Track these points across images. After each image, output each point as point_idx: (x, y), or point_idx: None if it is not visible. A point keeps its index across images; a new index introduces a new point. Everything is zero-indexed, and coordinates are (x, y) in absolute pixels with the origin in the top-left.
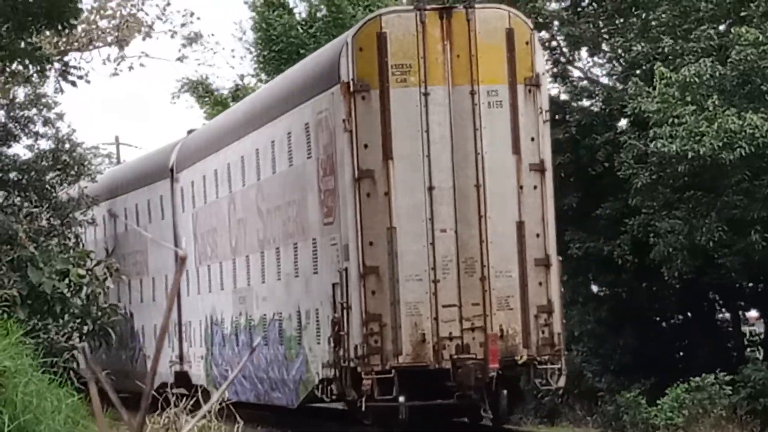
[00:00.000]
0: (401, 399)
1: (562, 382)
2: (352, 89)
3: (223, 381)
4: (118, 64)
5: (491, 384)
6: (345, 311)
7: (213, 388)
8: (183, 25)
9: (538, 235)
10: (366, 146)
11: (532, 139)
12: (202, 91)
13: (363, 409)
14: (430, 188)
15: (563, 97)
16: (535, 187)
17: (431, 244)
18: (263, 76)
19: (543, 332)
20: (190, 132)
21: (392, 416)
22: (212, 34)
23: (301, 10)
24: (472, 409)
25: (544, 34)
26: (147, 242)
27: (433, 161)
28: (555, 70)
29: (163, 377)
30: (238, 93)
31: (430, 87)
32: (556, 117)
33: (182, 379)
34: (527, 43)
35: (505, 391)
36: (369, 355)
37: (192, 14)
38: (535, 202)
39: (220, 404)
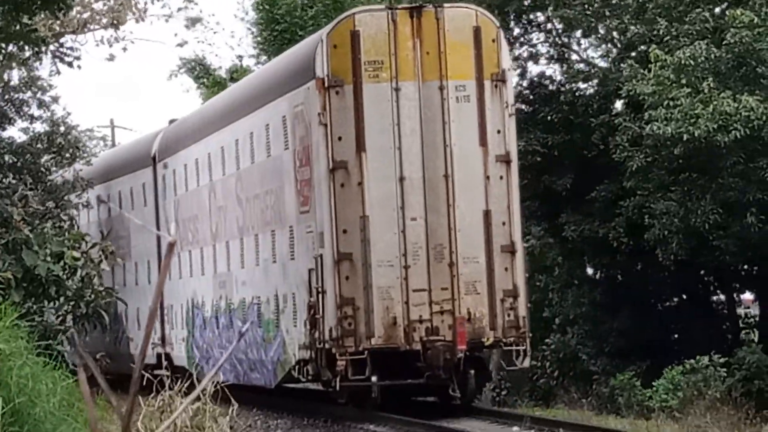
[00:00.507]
0: (374, 379)
1: (527, 363)
2: (326, 84)
3: (204, 362)
4: (111, 46)
5: (459, 364)
6: (320, 295)
7: (194, 370)
8: (180, 9)
9: (503, 223)
10: (340, 139)
11: (498, 131)
12: (200, 71)
13: (337, 388)
14: (401, 179)
15: (558, 78)
16: (501, 178)
17: (402, 231)
18: (263, 58)
19: (509, 315)
20: (171, 121)
21: (365, 395)
22: (212, 14)
23: None
24: (441, 389)
25: (539, 15)
26: (130, 227)
27: (404, 153)
28: (551, 51)
29: (146, 359)
30: (236, 75)
31: (401, 82)
32: (550, 99)
33: (164, 360)
34: (494, 40)
35: (472, 371)
36: (343, 337)
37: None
38: (501, 191)
39: (214, 386)
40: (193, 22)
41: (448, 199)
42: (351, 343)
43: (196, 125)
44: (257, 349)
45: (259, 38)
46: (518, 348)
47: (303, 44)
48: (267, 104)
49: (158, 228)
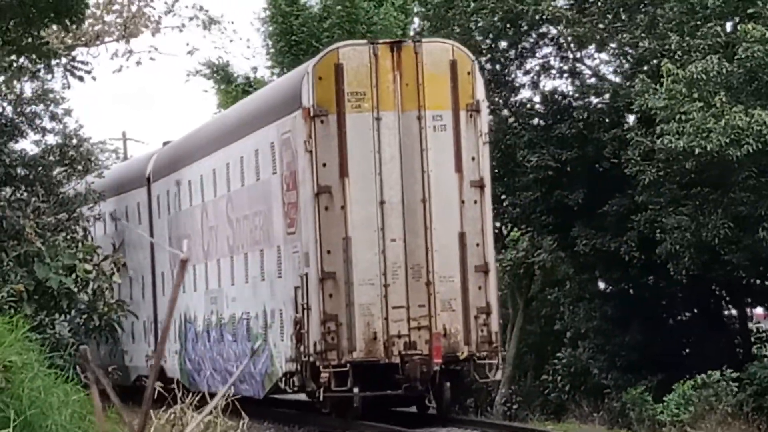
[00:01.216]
0: (355, 390)
1: (499, 376)
2: (312, 114)
3: (196, 374)
4: (127, 59)
5: (435, 377)
6: (305, 312)
7: (187, 381)
8: (191, 19)
9: (477, 245)
10: (324, 165)
11: (473, 158)
12: (219, 76)
13: (321, 399)
14: (382, 202)
15: (570, 92)
16: (475, 202)
17: (382, 252)
18: (277, 70)
19: (482, 331)
20: (165, 143)
21: (347, 405)
22: (232, 22)
23: (316, 2)
24: (418, 399)
25: (551, 29)
26: (125, 244)
27: (384, 178)
28: (562, 66)
29: (140, 370)
30: (250, 87)
31: (382, 112)
32: (563, 113)
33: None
34: (469, 73)
35: (448, 383)
36: (327, 351)
37: (201, 8)
38: (476, 215)
39: (226, 401)
40: (210, 22)
41: (425, 221)
42: (334, 356)
43: (189, 148)
44: (246, 361)
45: (273, 50)
46: (491, 361)
47: (290, 75)
48: (256, 131)
49: (152, 246)
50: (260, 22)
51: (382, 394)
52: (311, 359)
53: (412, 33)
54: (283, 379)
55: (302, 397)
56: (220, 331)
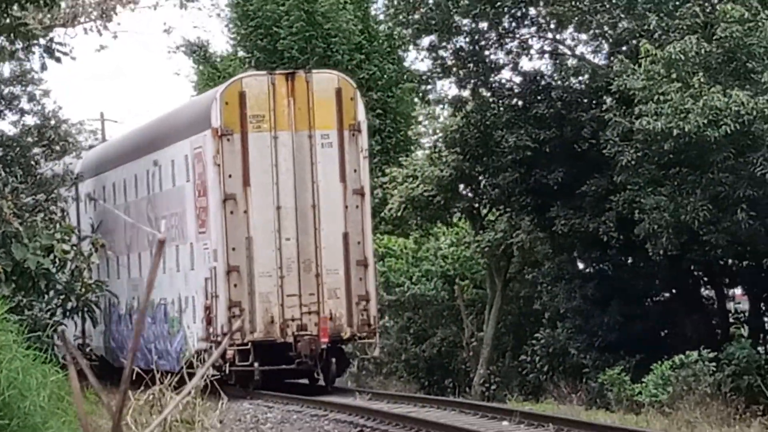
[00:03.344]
0: (256, 365)
1: (376, 353)
2: (220, 133)
3: (119, 352)
4: (101, 35)
5: (323, 354)
6: (214, 299)
7: (111, 358)
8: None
9: (359, 243)
10: (230, 176)
11: (355, 170)
12: (199, 55)
13: (227, 372)
14: (278, 207)
15: (549, 73)
16: (357, 207)
17: (279, 249)
18: (240, 53)
19: (362, 315)
20: (90, 147)
21: (249, 378)
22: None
23: None
24: (309, 373)
25: (531, 10)
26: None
27: (280, 187)
28: (542, 46)
29: (99, 350)
30: (228, 66)
31: (279, 132)
32: (541, 94)
33: (83, 350)
34: (352, 98)
35: (334, 359)
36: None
37: None
38: (357, 218)
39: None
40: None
41: (314, 223)
42: (238, 336)
43: (113, 154)
44: (164, 341)
45: (236, 35)
46: (370, 341)
47: (202, 98)
48: (173, 144)
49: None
50: (218, 8)
51: (278, 368)
52: (219, 339)
53: (373, 13)
54: (196, 356)
55: (305, 381)
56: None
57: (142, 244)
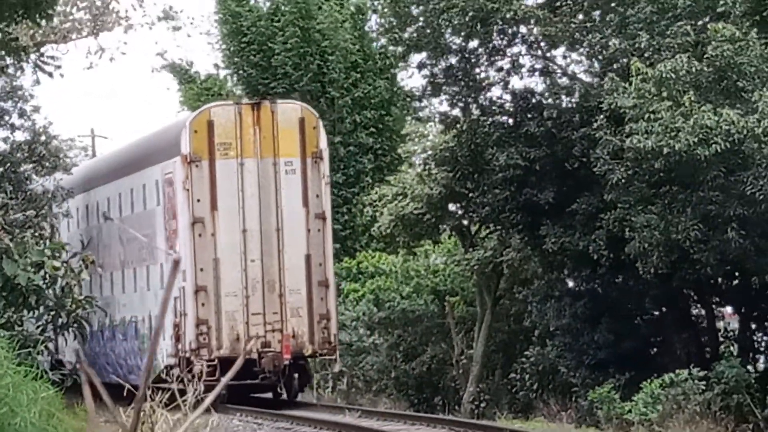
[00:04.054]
0: (222, 380)
1: (337, 368)
2: (189, 160)
3: (92, 367)
4: (100, 57)
5: (285, 370)
6: (182, 317)
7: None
8: (160, 19)
9: (320, 264)
10: (198, 200)
11: (317, 196)
12: (181, 76)
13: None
14: (244, 230)
15: (540, 91)
16: (318, 230)
17: (244, 270)
18: (232, 69)
19: (323, 333)
20: (73, 166)
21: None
22: (191, 21)
23: (265, 2)
24: (272, 387)
25: (522, 29)
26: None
27: (246, 212)
28: (533, 65)
29: (44, 365)
30: (212, 85)
31: (245, 159)
32: (532, 112)
33: (58, 365)
34: (314, 127)
35: (296, 375)
36: (199, 349)
37: (171, 8)
38: (319, 240)
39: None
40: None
41: (278, 245)
42: (205, 352)
43: (85, 178)
44: (134, 356)
45: (227, 51)
46: (330, 357)
47: (172, 126)
48: (145, 169)
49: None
50: (214, 23)
51: (243, 383)
52: (187, 355)
53: (366, 29)
54: (165, 370)
55: (301, 398)
56: (113, 330)
57: (113, 264)
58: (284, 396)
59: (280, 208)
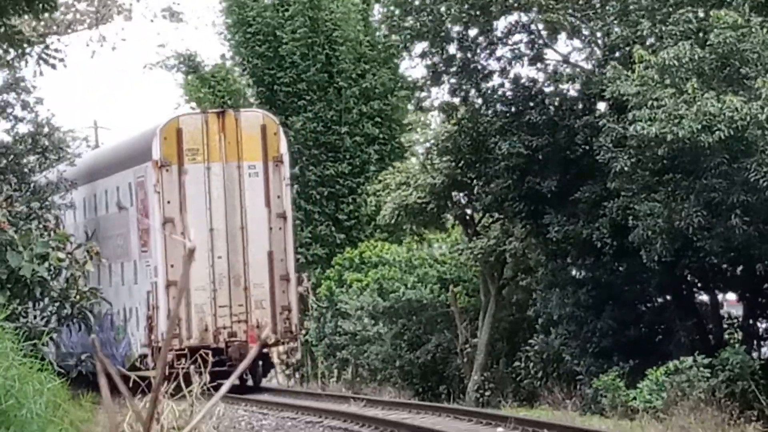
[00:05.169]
0: (192, 368)
1: (298, 356)
2: (159, 165)
3: (68, 357)
4: (101, 46)
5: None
6: (155, 309)
7: (60, 363)
8: (163, 11)
9: (282, 260)
10: (169, 202)
11: (278, 197)
12: (188, 66)
13: (166, 374)
14: (211, 229)
15: (542, 80)
16: (280, 229)
17: (212, 266)
18: (238, 59)
19: (285, 323)
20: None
21: (186, 379)
22: (198, 17)
23: None
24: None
25: (523, 17)
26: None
27: (213, 212)
28: (534, 53)
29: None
30: (218, 75)
31: (211, 163)
32: (534, 101)
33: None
34: (275, 133)
35: (261, 362)
36: (170, 339)
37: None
38: (281, 238)
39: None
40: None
41: (243, 243)
42: (176, 342)
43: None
44: (110, 346)
45: (233, 41)
46: (292, 345)
47: (145, 133)
48: (119, 172)
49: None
50: (219, 13)
51: (212, 370)
52: (159, 344)
53: (371, 20)
54: (139, 359)
55: (301, 388)
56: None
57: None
58: (250, 382)
59: (244, 208)
